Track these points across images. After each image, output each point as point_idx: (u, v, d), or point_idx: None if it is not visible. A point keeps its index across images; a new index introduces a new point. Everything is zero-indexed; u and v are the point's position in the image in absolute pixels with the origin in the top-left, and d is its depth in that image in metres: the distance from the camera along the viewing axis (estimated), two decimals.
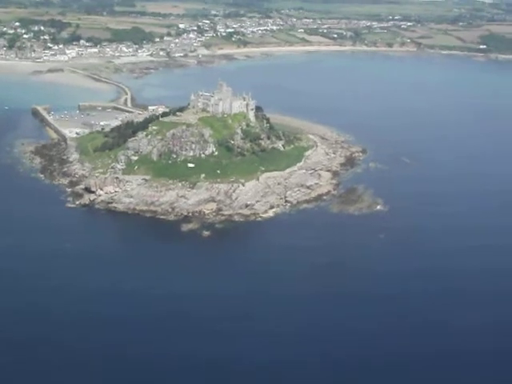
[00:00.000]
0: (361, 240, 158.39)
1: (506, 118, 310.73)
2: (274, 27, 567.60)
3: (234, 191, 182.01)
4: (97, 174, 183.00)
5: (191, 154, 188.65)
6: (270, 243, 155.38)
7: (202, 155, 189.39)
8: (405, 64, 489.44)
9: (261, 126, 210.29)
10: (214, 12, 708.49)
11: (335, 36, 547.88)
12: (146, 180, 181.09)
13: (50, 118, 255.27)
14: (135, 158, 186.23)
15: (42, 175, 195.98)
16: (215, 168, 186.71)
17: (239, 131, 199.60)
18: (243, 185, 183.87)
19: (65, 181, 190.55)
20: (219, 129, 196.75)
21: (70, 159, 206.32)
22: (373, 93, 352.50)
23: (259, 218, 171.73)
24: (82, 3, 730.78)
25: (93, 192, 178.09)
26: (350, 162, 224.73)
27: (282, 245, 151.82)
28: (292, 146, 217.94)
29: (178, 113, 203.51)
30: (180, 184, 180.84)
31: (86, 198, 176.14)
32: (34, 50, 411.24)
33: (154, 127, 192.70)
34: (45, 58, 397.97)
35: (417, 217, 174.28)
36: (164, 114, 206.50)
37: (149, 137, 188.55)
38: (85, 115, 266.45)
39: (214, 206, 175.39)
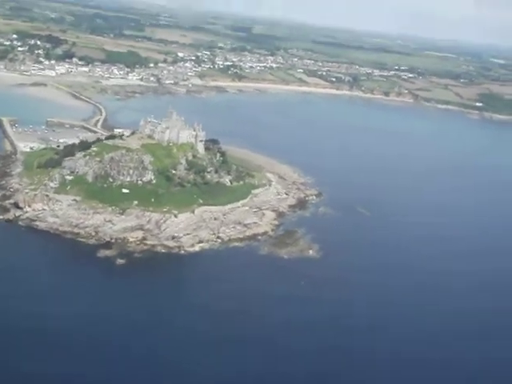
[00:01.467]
0: (276, 285, 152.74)
1: (475, 175, 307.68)
2: (274, 65, 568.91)
3: (164, 222, 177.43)
4: (26, 191, 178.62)
5: (128, 179, 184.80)
6: (178, 279, 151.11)
7: (139, 182, 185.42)
8: (397, 114, 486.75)
9: (209, 159, 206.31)
10: (220, 45, 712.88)
11: (333, 79, 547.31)
12: (76, 201, 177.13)
13: (10, 131, 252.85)
14: (70, 177, 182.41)
15: None
16: (150, 196, 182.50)
17: (183, 161, 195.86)
18: (176, 216, 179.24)
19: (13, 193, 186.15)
20: (161, 157, 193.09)
21: (12, 173, 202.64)
22: (355, 139, 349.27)
23: (182, 252, 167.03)
24: (95, 24, 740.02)
25: (20, 208, 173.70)
26: (300, 204, 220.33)
27: (188, 282, 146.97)
28: (242, 182, 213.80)
29: (124, 137, 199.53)
30: (110, 209, 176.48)
31: (12, 214, 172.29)
32: (25, 64, 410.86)
33: (94, 148, 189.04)
34: (33, 71, 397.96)
35: (345, 269, 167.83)
36: (111, 137, 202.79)
37: (87, 158, 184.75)
38: (49, 131, 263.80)
39: (140, 234, 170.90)
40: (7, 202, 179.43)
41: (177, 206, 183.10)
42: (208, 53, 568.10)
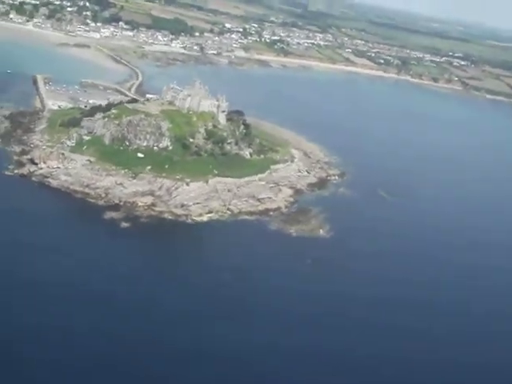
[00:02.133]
0: (278, 261, 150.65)
1: None
2: (322, 43, 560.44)
3: (176, 189, 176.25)
4: (44, 147, 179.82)
5: (144, 144, 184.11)
6: (178, 245, 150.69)
7: (155, 147, 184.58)
8: (442, 100, 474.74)
9: (231, 130, 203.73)
10: (272, 19, 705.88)
11: (381, 62, 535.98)
12: (90, 161, 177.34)
13: (42, 88, 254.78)
14: (87, 138, 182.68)
15: None
16: (165, 162, 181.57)
17: (202, 130, 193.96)
18: (188, 184, 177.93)
19: (18, 148, 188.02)
20: (180, 124, 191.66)
21: (36, 129, 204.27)
22: (393, 123, 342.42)
23: (189, 221, 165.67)
24: None
25: (36, 164, 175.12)
26: (320, 183, 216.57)
27: (187, 250, 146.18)
28: (262, 156, 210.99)
29: (145, 102, 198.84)
30: (123, 172, 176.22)
31: (26, 169, 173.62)
32: (71, 24, 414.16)
33: (114, 111, 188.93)
34: (78, 32, 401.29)
35: (351, 252, 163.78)
36: (133, 101, 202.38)
37: (105, 119, 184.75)
38: (81, 91, 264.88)
39: (150, 199, 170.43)
40: (24, 157, 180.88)
41: (190, 174, 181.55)
42: (256, 25, 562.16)
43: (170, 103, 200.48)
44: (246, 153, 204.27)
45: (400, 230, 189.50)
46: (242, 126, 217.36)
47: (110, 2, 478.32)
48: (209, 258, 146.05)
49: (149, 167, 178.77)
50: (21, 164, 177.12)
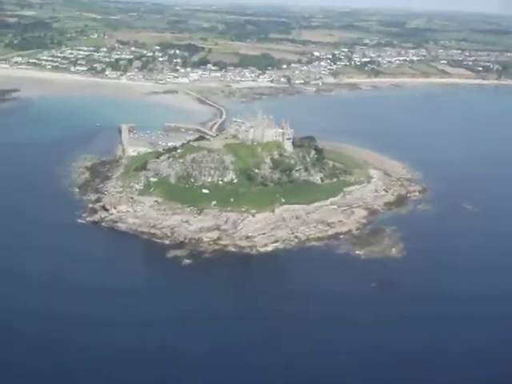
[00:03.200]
0: (341, 285, 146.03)
1: None
2: (415, 58, 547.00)
3: (241, 221, 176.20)
4: (113, 193, 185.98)
5: (209, 179, 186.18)
6: (238, 278, 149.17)
7: (220, 182, 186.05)
8: None
9: (300, 157, 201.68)
10: (366, 41, 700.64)
11: (480, 69, 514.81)
12: (157, 202, 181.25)
13: (125, 136, 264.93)
14: (154, 179, 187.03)
15: (77, 189, 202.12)
16: (230, 196, 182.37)
17: (268, 160, 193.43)
18: (253, 215, 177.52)
19: (93, 197, 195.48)
20: (245, 156, 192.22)
21: (113, 177, 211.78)
22: (487, 134, 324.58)
23: (253, 252, 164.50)
24: (244, 30, 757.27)
25: (107, 210, 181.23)
26: (399, 201, 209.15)
27: (248, 282, 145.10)
28: (335, 179, 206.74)
29: (210, 138, 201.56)
30: (188, 209, 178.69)
31: (98, 215, 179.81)
32: (162, 72, 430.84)
33: (179, 150, 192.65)
34: (168, 79, 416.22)
35: (424, 274, 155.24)
36: (200, 139, 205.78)
37: (170, 159, 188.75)
38: (164, 136, 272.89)
39: (215, 234, 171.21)
40: (98, 204, 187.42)
41: (256, 205, 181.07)
42: (346, 50, 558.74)
43: (234, 137, 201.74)
44: (317, 178, 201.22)
45: (480, 242, 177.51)
46: (312, 152, 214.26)
47: (199, 46, 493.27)
48: (268, 288, 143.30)
49: (214, 202, 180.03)
50: (94, 211, 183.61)
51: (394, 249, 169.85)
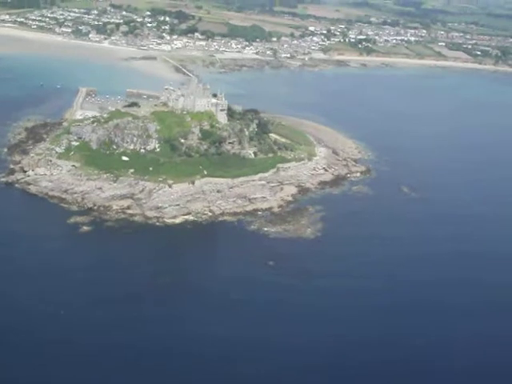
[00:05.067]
0: (227, 263, 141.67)
1: None
2: (412, 38, 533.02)
3: (157, 191, 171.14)
4: (32, 155, 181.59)
5: (132, 147, 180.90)
6: (124, 249, 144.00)
7: (142, 150, 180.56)
8: None
9: (233, 129, 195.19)
10: (372, 19, 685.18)
11: (478, 53, 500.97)
12: (75, 167, 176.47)
13: (79, 100, 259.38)
14: (76, 143, 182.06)
15: (5, 150, 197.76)
16: (150, 165, 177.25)
17: (196, 130, 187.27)
18: (170, 186, 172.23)
19: (18, 157, 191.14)
20: (171, 125, 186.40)
21: (47, 139, 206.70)
22: (464, 120, 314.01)
23: (158, 223, 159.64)
24: (253, 1, 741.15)
25: (25, 172, 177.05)
26: (336, 181, 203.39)
27: (130, 253, 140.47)
28: (272, 154, 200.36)
29: (140, 104, 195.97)
30: (105, 176, 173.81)
31: (14, 177, 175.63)
32: (147, 39, 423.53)
33: (105, 115, 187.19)
34: (150, 46, 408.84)
35: (329, 256, 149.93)
36: (132, 105, 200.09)
37: (94, 124, 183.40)
38: (121, 101, 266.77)
39: (127, 203, 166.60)
40: (18, 165, 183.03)
41: (176, 175, 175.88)
42: (343, 26, 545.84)
43: (164, 104, 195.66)
44: (250, 152, 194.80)
45: (400, 229, 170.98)
46: (253, 125, 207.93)
47: (189, 14, 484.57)
48: (145, 261, 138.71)
49: (132, 170, 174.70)
50: (12, 172, 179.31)
51: (309, 229, 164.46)
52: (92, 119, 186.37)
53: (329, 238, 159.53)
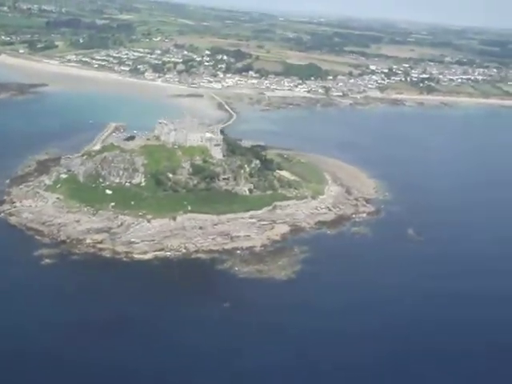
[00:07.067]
0: (180, 305, 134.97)
1: None
2: (480, 77, 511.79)
3: (135, 226, 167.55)
4: (21, 187, 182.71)
5: (117, 180, 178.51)
6: (66, 285, 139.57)
7: (128, 184, 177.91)
8: None
9: (229, 165, 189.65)
10: (447, 59, 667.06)
11: None
12: (59, 199, 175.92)
13: (104, 134, 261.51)
14: (65, 176, 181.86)
15: (8, 181, 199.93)
16: (132, 199, 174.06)
17: (187, 165, 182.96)
18: (149, 221, 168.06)
19: (15, 189, 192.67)
20: (159, 159, 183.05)
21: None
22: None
23: (126, 259, 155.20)
24: (328, 42, 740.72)
25: (14, 203, 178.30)
26: (337, 221, 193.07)
27: (74, 288, 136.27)
28: (270, 192, 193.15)
29: (132, 139, 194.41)
30: (85, 209, 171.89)
31: (2, 208, 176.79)
32: (200, 77, 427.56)
33: (96, 148, 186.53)
34: (201, 84, 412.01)
35: (305, 300, 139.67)
36: (130, 138, 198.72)
37: (84, 157, 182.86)
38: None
39: (102, 237, 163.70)
40: (9, 197, 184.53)
41: (157, 210, 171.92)
42: (406, 65, 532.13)
43: (157, 138, 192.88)
44: (244, 188, 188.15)
45: (385, 277, 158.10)
46: (256, 161, 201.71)
47: (246, 53, 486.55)
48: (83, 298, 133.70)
49: (113, 204, 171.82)
50: (1, 203, 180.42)
51: (285, 271, 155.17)
52: (83, 152, 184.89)
53: (301, 282, 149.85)
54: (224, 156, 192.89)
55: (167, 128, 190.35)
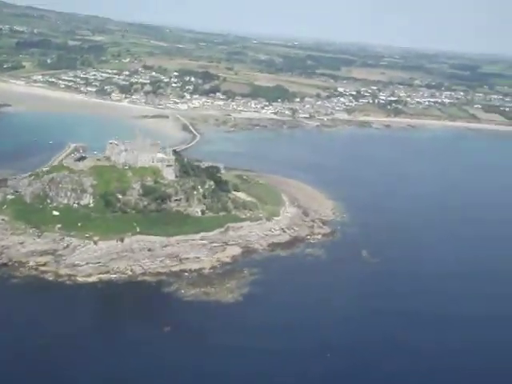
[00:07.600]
0: (120, 329, 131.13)
1: None
2: (447, 100, 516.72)
3: (81, 248, 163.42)
4: None
5: (65, 201, 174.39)
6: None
7: (75, 205, 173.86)
8: None
9: (181, 186, 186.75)
10: (416, 82, 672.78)
11: None
12: (4, 221, 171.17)
13: (58, 156, 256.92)
14: (11, 197, 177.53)
15: None
16: (79, 220, 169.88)
17: (137, 186, 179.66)
18: (95, 243, 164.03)
19: None
20: (109, 180, 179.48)
21: None
22: (469, 188, 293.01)
23: (69, 282, 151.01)
24: (299, 64, 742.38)
25: None
26: (291, 243, 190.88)
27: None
28: (223, 213, 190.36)
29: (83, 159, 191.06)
30: (30, 231, 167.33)
31: None
32: (167, 98, 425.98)
33: (44, 169, 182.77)
34: (168, 105, 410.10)
35: (251, 323, 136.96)
36: (81, 159, 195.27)
37: (31, 177, 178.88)
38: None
39: (46, 259, 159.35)
40: None
41: (105, 232, 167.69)
42: (375, 88, 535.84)
43: (107, 159, 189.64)
44: (197, 210, 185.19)
45: (334, 296, 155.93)
46: (210, 183, 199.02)
47: (214, 75, 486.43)
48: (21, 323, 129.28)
49: (59, 225, 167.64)
50: None
51: (232, 293, 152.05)
52: (30, 173, 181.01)
53: (248, 305, 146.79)
54: (177, 177, 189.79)
55: (118, 148, 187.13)
